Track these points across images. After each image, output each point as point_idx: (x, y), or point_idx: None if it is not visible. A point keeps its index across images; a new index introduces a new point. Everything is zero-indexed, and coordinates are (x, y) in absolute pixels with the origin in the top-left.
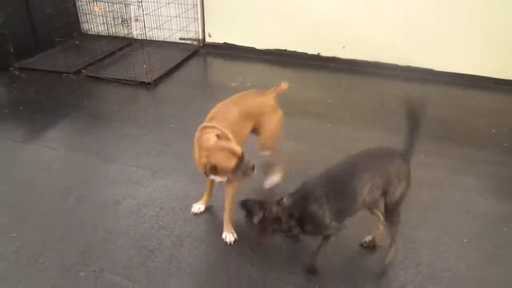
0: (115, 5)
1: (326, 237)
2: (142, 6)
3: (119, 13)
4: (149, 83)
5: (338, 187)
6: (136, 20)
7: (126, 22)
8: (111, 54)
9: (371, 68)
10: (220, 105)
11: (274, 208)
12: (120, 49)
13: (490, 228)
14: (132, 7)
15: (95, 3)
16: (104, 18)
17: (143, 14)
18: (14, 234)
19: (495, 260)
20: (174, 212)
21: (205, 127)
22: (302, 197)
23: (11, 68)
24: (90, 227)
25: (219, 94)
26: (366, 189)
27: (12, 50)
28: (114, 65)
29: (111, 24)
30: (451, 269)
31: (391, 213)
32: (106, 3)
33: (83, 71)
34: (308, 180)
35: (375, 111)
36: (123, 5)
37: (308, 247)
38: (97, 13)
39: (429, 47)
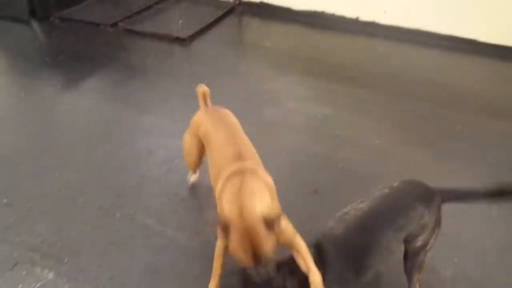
0: None
1: None
2: None
3: None
4: (184, 39)
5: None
6: None
7: None
8: (148, 8)
9: (410, 35)
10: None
11: None
12: (156, 3)
13: None
14: None
15: None
16: None
17: None
18: (56, 174)
19: None
20: (205, 165)
21: (241, 172)
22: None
23: (52, 18)
24: (125, 173)
25: (252, 54)
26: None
27: (53, 0)
28: (150, 19)
29: None
30: None
31: (410, 263)
32: None
33: (120, 23)
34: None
35: (410, 81)
36: None
37: None
38: None
39: (474, 15)
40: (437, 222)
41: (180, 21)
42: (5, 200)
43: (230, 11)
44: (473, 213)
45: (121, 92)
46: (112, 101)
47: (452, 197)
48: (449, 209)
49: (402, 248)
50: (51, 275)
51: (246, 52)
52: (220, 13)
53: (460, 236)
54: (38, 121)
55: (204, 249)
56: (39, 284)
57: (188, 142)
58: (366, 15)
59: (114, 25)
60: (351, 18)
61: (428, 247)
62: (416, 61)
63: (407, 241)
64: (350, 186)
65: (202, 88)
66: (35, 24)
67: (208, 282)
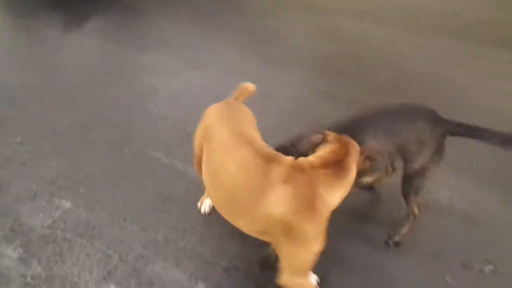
0: None
1: None
2: None
3: None
4: None
5: None
6: None
7: None
8: None
9: None
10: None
11: None
12: None
13: None
14: None
15: None
16: None
17: None
18: (64, 112)
19: None
20: (208, 101)
21: None
22: None
23: None
24: (132, 110)
25: None
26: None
27: None
28: None
29: None
30: None
31: (406, 185)
32: None
33: None
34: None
35: (423, 13)
36: None
37: None
38: None
39: None
40: (438, 150)
41: None
42: (18, 139)
43: None
44: None
45: (122, 32)
46: (115, 41)
47: (460, 131)
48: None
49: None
50: (68, 204)
51: None
52: None
53: (458, 160)
54: (42, 61)
55: None
56: (58, 213)
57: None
58: None
59: None
60: None
61: (426, 173)
62: None
63: (405, 159)
64: None
65: (250, 88)
66: None
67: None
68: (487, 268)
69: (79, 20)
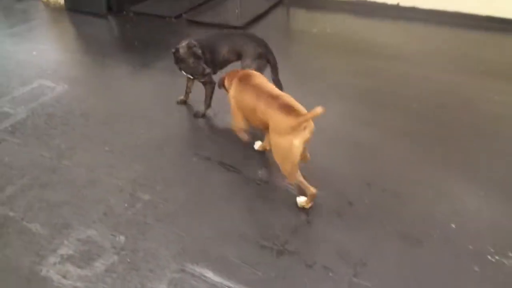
0: None
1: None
2: None
3: None
4: (240, 27)
5: (210, 47)
6: None
7: None
8: (208, 1)
9: (450, 18)
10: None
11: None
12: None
13: None
14: None
15: None
16: None
17: None
18: (143, 131)
19: None
20: None
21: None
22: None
23: (125, 12)
24: (197, 129)
25: (300, 38)
26: (225, 50)
27: None
28: (210, 10)
29: None
30: None
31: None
32: None
33: (184, 15)
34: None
35: (450, 56)
36: None
37: None
38: None
39: None
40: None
41: (237, 11)
42: (106, 148)
43: (279, 2)
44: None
45: None
46: (180, 76)
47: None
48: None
49: None
50: (147, 196)
51: (295, 36)
52: (271, 4)
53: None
54: (122, 92)
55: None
56: (140, 204)
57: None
58: (406, 1)
59: (179, 16)
60: (392, 4)
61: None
62: (456, 40)
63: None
64: (393, 144)
65: (319, 110)
66: (111, 18)
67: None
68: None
69: (152, 60)
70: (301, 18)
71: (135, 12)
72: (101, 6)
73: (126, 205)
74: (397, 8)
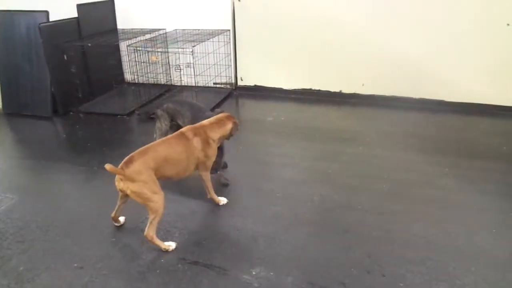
0: (168, 54)
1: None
2: (193, 54)
3: (171, 61)
4: None
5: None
6: (188, 66)
7: (179, 67)
8: (159, 96)
9: (388, 101)
10: None
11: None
12: (166, 92)
13: None
14: (181, 56)
15: (153, 54)
16: (144, 69)
17: (193, 62)
18: (114, 239)
19: None
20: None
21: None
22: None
23: (71, 112)
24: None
25: (257, 127)
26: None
27: (80, 95)
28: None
29: (154, 73)
30: None
31: None
32: (161, 53)
33: (136, 112)
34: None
35: (398, 135)
36: (177, 54)
37: None
38: (154, 61)
39: (439, 80)
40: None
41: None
42: (75, 264)
43: (228, 95)
44: None
45: None
46: None
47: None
48: None
49: None
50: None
51: (251, 126)
52: (221, 97)
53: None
54: (84, 196)
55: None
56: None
57: None
58: (347, 88)
59: (131, 113)
60: (335, 91)
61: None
62: (398, 121)
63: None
64: (372, 222)
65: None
66: (57, 120)
67: None
68: None
69: (109, 159)
70: (252, 108)
71: (84, 112)
72: (46, 109)
73: None
74: (340, 94)
